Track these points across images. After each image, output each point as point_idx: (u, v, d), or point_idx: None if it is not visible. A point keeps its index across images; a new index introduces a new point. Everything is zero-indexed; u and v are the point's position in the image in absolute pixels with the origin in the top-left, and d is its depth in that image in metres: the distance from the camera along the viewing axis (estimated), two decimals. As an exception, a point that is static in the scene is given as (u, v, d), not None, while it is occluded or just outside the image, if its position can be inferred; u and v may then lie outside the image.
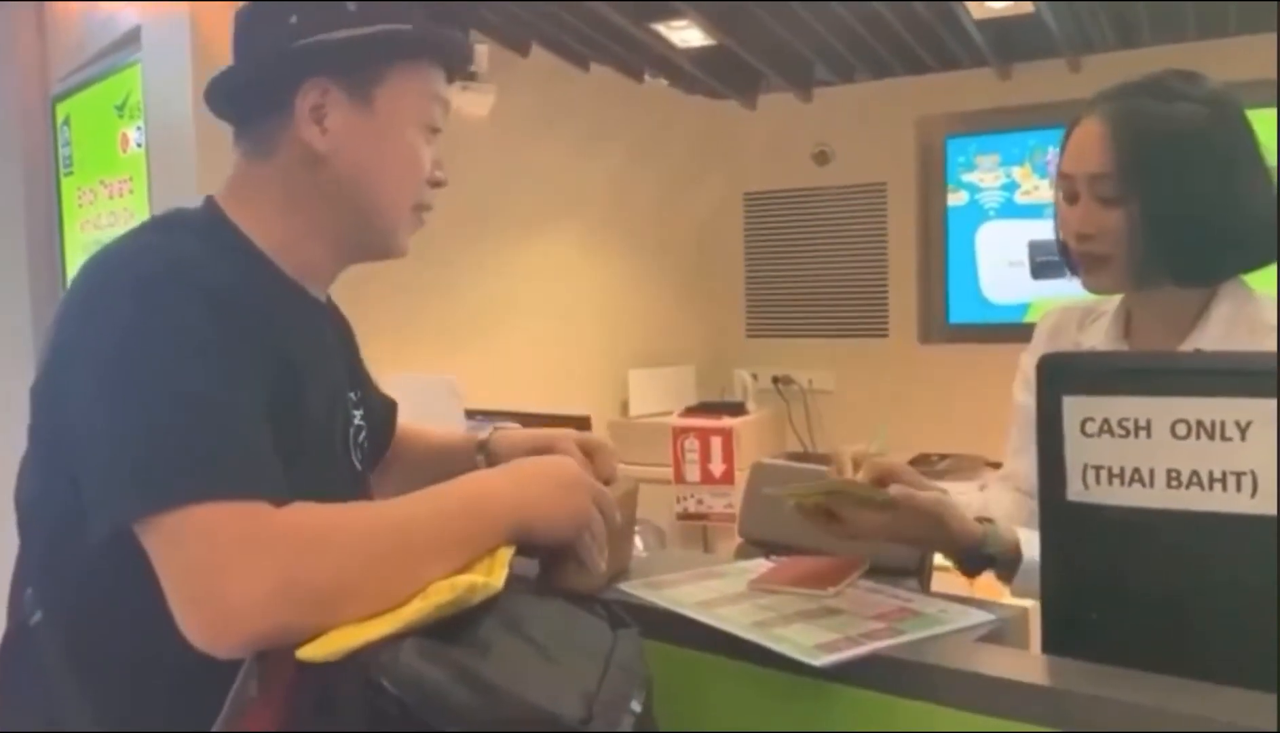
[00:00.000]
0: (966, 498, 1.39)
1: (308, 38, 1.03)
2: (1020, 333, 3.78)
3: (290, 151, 1.05)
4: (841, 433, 4.62)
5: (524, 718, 0.77)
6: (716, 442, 4.10)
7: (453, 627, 0.83)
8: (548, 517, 0.99)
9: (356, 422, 1.12)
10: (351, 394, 1.13)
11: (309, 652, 0.79)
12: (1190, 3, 3.57)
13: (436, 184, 1.12)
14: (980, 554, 1.19)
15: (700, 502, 4.10)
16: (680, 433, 4.12)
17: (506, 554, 0.92)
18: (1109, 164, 1.26)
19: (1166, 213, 1.24)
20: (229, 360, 0.89)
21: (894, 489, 1.15)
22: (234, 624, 0.80)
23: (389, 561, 0.86)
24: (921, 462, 4.16)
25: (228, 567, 0.81)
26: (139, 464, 0.85)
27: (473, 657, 0.80)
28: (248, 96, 1.07)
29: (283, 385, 0.95)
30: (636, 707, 0.84)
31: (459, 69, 1.14)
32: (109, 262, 0.97)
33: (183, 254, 0.95)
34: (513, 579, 0.91)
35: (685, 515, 4.10)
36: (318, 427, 1.03)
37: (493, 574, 0.88)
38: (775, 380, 4.72)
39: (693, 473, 4.09)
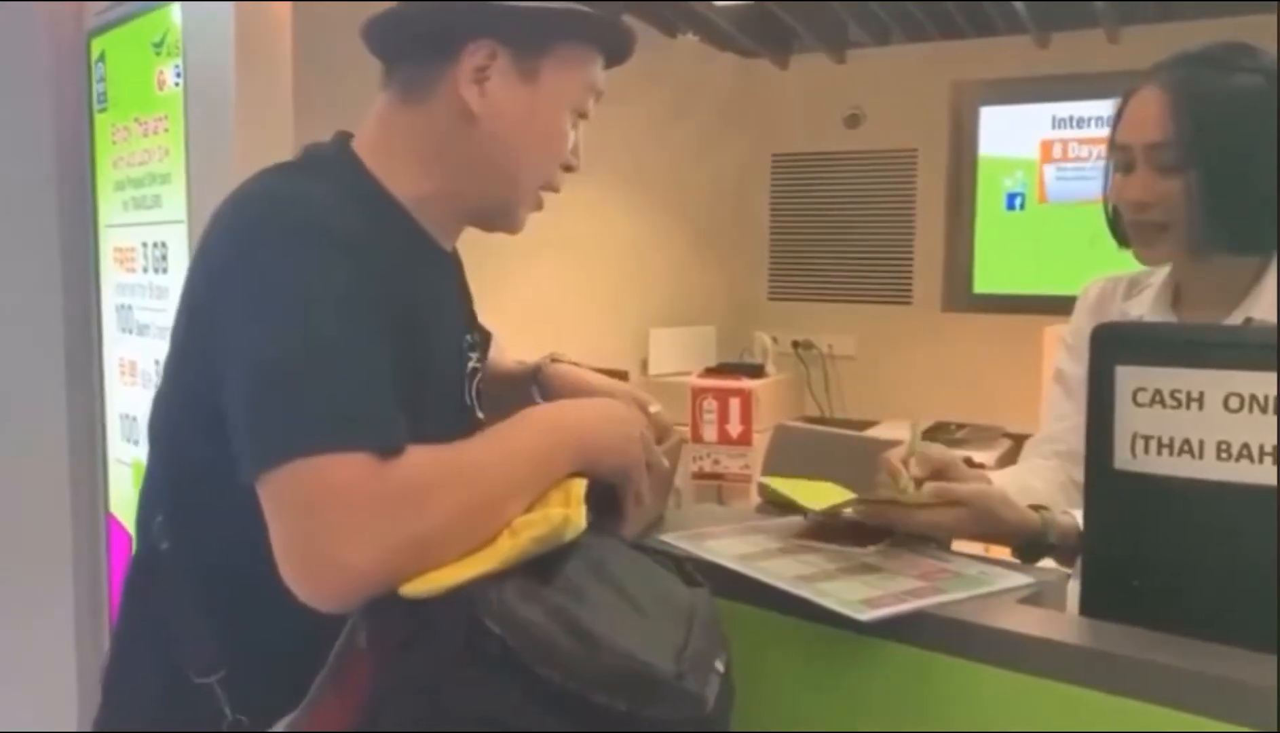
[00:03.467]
0: (1004, 476, 1.38)
1: None
2: (1043, 305, 3.78)
3: (442, 105, 1.04)
4: (860, 399, 4.63)
5: (620, 668, 0.78)
6: (735, 403, 4.11)
7: (541, 567, 0.84)
8: (607, 450, 1.00)
9: (472, 364, 1.12)
10: (468, 337, 1.14)
11: (411, 589, 0.80)
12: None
13: (568, 168, 1.12)
14: (1041, 543, 1.17)
15: (716, 462, 4.12)
16: (699, 393, 4.13)
17: (580, 488, 0.93)
18: (1169, 133, 1.26)
19: (1223, 182, 1.24)
20: (355, 309, 0.89)
21: (929, 488, 1.14)
22: (340, 583, 0.81)
23: (483, 504, 0.87)
24: (940, 430, 4.17)
25: (334, 526, 0.82)
26: (260, 419, 0.86)
27: (570, 601, 0.81)
28: (411, 39, 1.06)
29: (408, 336, 0.95)
30: (720, 667, 0.85)
31: (618, 61, 1.14)
32: (241, 205, 0.97)
33: (314, 200, 0.94)
34: None
35: (701, 475, 4.13)
36: (440, 377, 1.04)
37: (571, 508, 0.88)
38: (795, 344, 4.73)
39: (710, 433, 4.11)
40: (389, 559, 0.81)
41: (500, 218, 1.12)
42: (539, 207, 1.13)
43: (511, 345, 1.29)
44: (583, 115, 1.11)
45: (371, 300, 0.91)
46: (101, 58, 2.71)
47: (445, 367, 1.07)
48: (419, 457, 0.87)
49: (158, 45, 2.45)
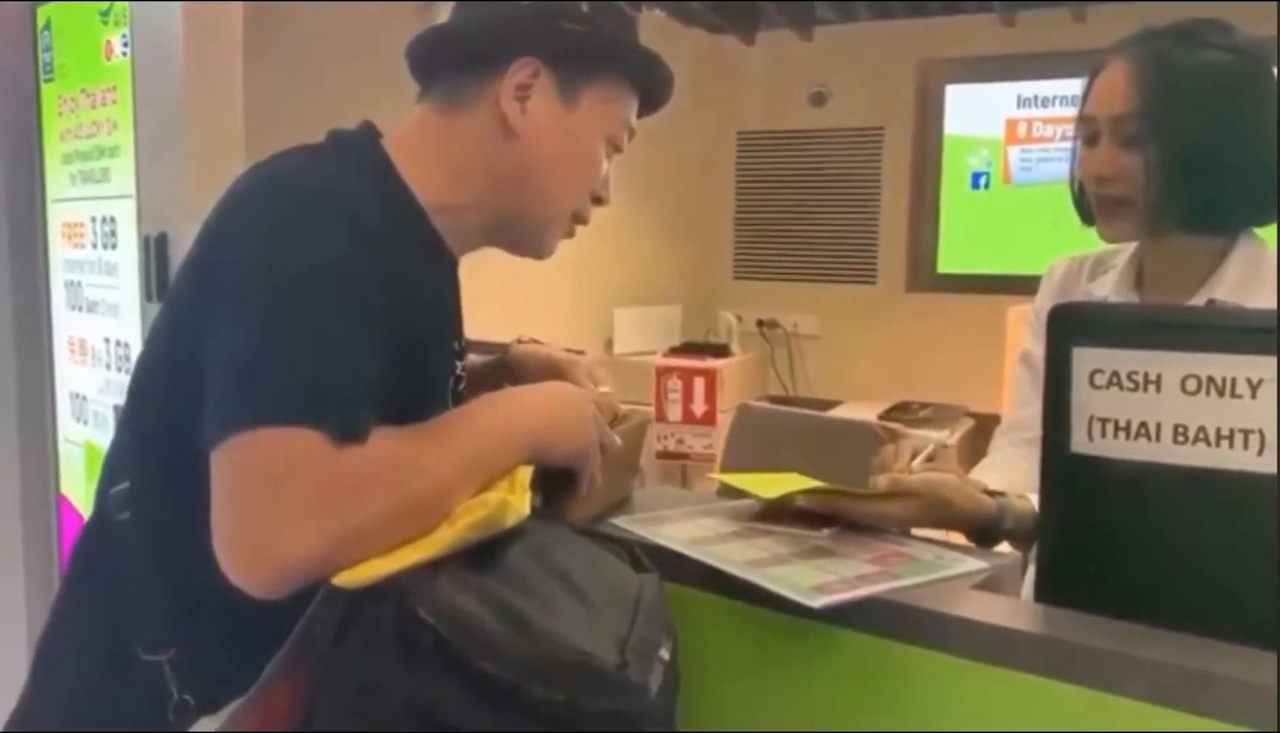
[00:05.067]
0: (984, 472, 1.36)
1: (537, 20, 1.04)
2: (1007, 285, 3.79)
3: (480, 118, 1.05)
4: (824, 378, 4.63)
5: (559, 658, 0.76)
6: (699, 382, 4.10)
7: (482, 554, 0.82)
8: (559, 438, 0.99)
9: (458, 371, 1.12)
10: (455, 344, 1.13)
11: (344, 579, 0.77)
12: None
13: (598, 201, 1.13)
14: (997, 529, 1.17)
15: (680, 441, 4.11)
16: (663, 372, 4.11)
17: (525, 475, 0.91)
18: (1132, 105, 1.24)
19: (1185, 158, 1.22)
20: (354, 296, 0.88)
21: (880, 480, 1.13)
22: (270, 568, 0.79)
23: (428, 500, 0.85)
24: (902, 409, 4.18)
25: (273, 506, 0.80)
26: (225, 387, 0.84)
27: (508, 590, 0.79)
28: (456, 53, 1.07)
29: (407, 336, 0.95)
30: (665, 655, 0.83)
31: (655, 105, 1.15)
32: (263, 177, 0.96)
33: (336, 184, 0.94)
34: None
35: (665, 454, 4.12)
36: (432, 380, 1.04)
37: (514, 494, 0.86)
38: (760, 323, 4.72)
39: (674, 412, 4.09)
40: (324, 549, 0.79)
41: (529, 238, 1.12)
42: (569, 235, 1.14)
43: (476, 324, 1.26)
44: (617, 148, 1.13)
45: (375, 292, 0.90)
46: (47, 26, 2.63)
47: (437, 370, 1.06)
48: (374, 447, 0.84)
49: (105, 14, 2.38)
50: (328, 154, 1.02)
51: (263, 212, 0.92)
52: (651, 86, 1.13)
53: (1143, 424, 0.93)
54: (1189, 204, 1.24)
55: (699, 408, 4.10)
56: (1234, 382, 0.90)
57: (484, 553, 0.82)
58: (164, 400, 0.96)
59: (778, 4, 4.20)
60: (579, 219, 1.13)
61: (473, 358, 1.29)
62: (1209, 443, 0.91)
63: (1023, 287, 1.52)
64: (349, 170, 0.97)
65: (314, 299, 0.86)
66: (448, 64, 1.08)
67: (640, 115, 1.14)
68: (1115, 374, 0.94)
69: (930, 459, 1.20)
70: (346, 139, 1.06)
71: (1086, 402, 0.96)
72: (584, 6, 1.06)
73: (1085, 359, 0.96)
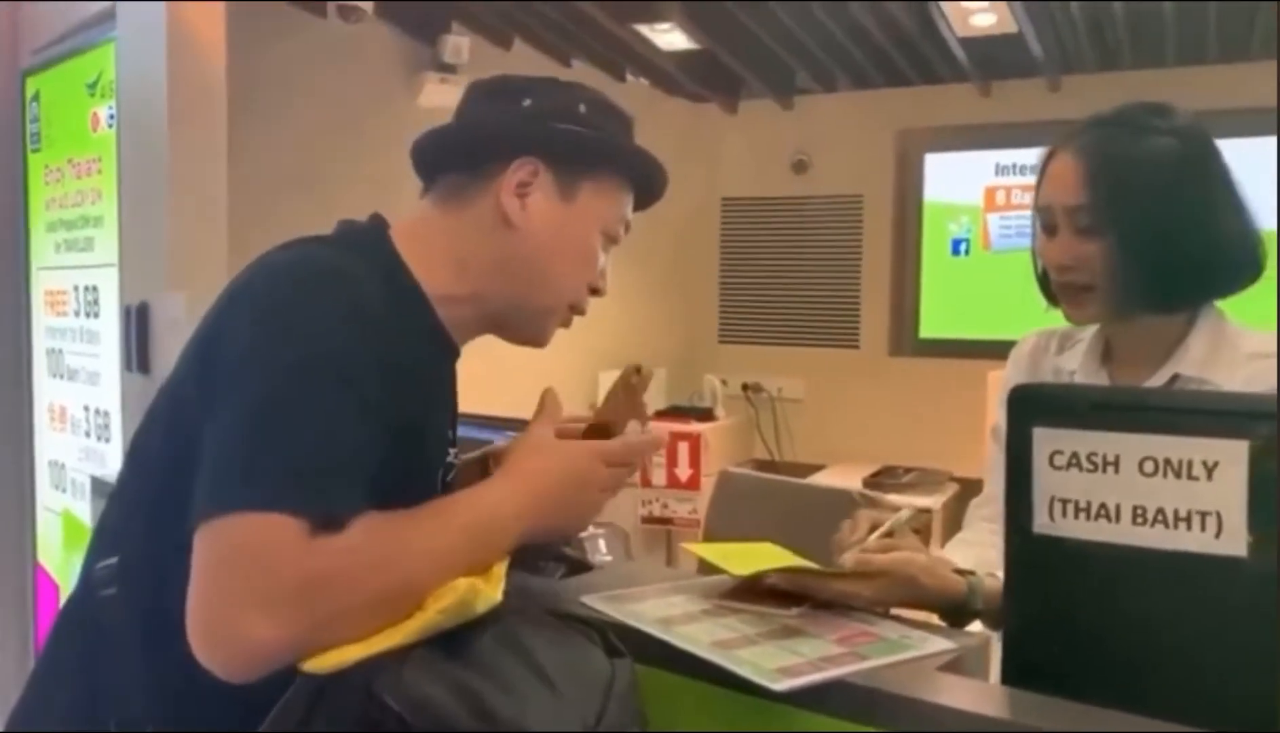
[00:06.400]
0: (958, 549, 1.36)
1: (536, 121, 1.09)
2: (989, 350, 3.81)
3: (481, 214, 1.09)
4: (808, 442, 4.63)
5: None
6: (684, 447, 4.10)
7: (451, 641, 0.82)
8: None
9: (449, 460, 1.13)
10: (449, 433, 1.14)
11: (312, 664, 0.78)
12: (1170, 16, 3.59)
13: (595, 292, 1.16)
14: (968, 609, 1.17)
15: (665, 506, 4.11)
16: (648, 436, 4.11)
17: (502, 566, 0.91)
18: (1084, 197, 1.27)
19: (1143, 244, 1.25)
20: (351, 385, 0.89)
21: (848, 558, 1.13)
22: (240, 652, 0.80)
23: (405, 591, 0.85)
24: (887, 474, 4.18)
25: (247, 589, 0.80)
26: (214, 469, 0.85)
27: (476, 678, 0.79)
28: (459, 153, 1.12)
29: (403, 425, 0.96)
30: None
31: (648, 202, 1.19)
32: (271, 264, 0.98)
33: (346, 272, 0.96)
34: None
35: (649, 519, 4.10)
36: (426, 467, 1.05)
37: (487, 581, 0.86)
38: (745, 387, 4.74)
39: (659, 477, 4.09)
40: (292, 636, 0.79)
41: (527, 328, 1.15)
42: (567, 324, 1.17)
43: (460, 387, 1.27)
44: (614, 241, 1.16)
45: (373, 381, 0.91)
46: (36, 97, 2.67)
47: (431, 459, 1.07)
48: (351, 538, 0.84)
49: (92, 86, 2.42)
50: (335, 242, 1.05)
51: (265, 297, 0.94)
52: (646, 183, 1.17)
53: (1103, 505, 0.94)
54: (1153, 287, 1.27)
55: (684, 473, 4.10)
56: (1190, 464, 0.91)
57: (454, 639, 0.82)
58: (158, 480, 0.97)
59: (759, 74, 4.28)
60: (576, 310, 1.16)
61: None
62: (1167, 525, 0.91)
63: (1004, 351, 1.54)
64: (355, 258, 0.99)
65: (306, 387, 0.87)
66: (451, 163, 1.11)
67: (635, 209, 1.17)
68: (1075, 455, 0.95)
69: (889, 534, 1.20)
70: (355, 229, 1.09)
71: (1047, 482, 0.96)
72: (581, 107, 1.10)
73: (1045, 440, 0.97)
